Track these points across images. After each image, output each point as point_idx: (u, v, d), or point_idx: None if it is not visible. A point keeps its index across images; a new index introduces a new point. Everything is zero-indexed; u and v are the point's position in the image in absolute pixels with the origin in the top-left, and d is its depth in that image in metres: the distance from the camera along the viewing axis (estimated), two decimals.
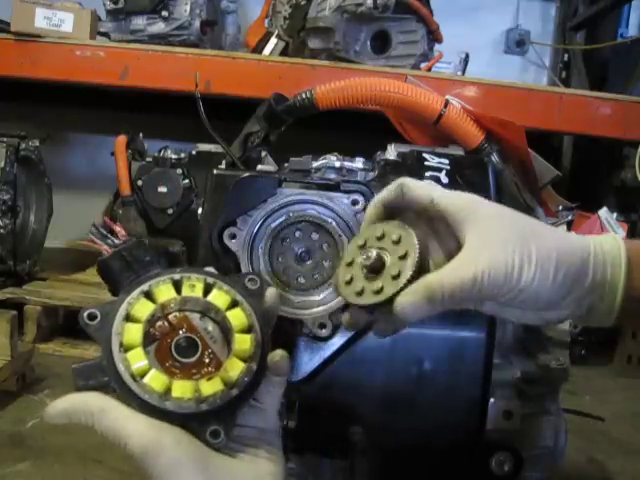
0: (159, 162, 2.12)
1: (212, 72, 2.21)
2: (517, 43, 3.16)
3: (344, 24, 2.19)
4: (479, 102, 2.24)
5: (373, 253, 0.64)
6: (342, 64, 2.24)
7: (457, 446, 0.84)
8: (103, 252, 0.65)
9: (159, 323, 0.60)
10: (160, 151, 2.17)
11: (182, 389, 0.57)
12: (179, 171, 2.10)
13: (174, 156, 2.15)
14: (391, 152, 0.98)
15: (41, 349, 1.84)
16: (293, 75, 2.22)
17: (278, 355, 0.63)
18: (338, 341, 0.84)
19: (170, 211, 2.08)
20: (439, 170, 0.90)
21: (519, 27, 3.15)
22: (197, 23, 2.40)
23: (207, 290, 0.62)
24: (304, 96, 0.99)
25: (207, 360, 0.60)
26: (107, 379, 0.58)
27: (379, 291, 0.63)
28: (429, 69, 2.44)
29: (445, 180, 0.90)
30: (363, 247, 0.67)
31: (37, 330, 1.90)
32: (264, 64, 2.28)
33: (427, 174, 0.90)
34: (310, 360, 0.84)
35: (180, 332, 0.60)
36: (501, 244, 0.60)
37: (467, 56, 2.58)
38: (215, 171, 0.91)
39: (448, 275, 0.60)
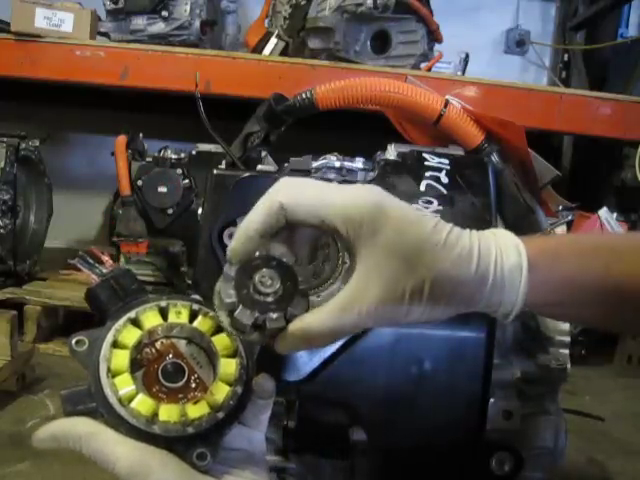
0: (159, 162, 2.12)
1: (212, 72, 2.21)
2: (517, 43, 3.16)
3: (344, 24, 2.19)
4: (479, 102, 2.24)
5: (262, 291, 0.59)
6: (342, 64, 2.24)
7: (457, 446, 0.84)
8: (91, 281, 0.66)
9: (146, 349, 0.62)
10: (160, 151, 2.17)
11: (169, 413, 0.58)
12: (179, 171, 2.10)
13: (174, 156, 2.15)
14: (391, 152, 0.98)
15: (41, 349, 1.84)
16: (293, 75, 2.22)
17: (262, 377, 0.63)
18: (338, 341, 0.84)
19: (170, 211, 2.08)
20: (439, 170, 0.90)
21: (519, 27, 3.15)
22: (197, 23, 2.40)
23: (193, 316, 0.64)
24: (304, 96, 0.99)
25: (193, 385, 0.61)
26: (95, 404, 0.59)
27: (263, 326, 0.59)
28: (429, 69, 2.44)
29: (445, 180, 0.90)
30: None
31: (37, 330, 1.91)
32: (264, 64, 2.28)
33: (427, 174, 0.90)
34: (310, 360, 0.84)
35: (167, 358, 0.61)
36: (391, 281, 0.56)
37: (467, 56, 2.58)
38: (215, 171, 0.91)
39: (327, 319, 0.57)
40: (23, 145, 2.14)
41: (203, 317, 0.63)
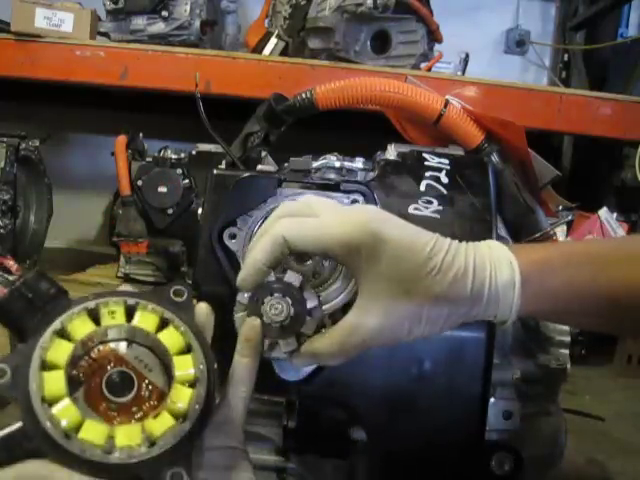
0: (159, 162, 2.12)
1: (212, 72, 2.21)
2: (517, 43, 3.16)
3: (344, 24, 2.19)
4: (479, 102, 2.24)
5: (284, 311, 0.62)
6: (342, 64, 2.24)
7: (457, 446, 0.84)
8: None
9: (82, 363, 0.52)
10: (160, 151, 2.17)
11: (127, 435, 0.49)
12: (179, 171, 2.10)
13: (174, 156, 2.15)
14: (391, 152, 0.98)
15: None
16: (293, 75, 2.22)
17: (240, 362, 0.60)
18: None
19: (170, 211, 2.08)
20: (439, 170, 0.90)
21: (519, 27, 3.15)
22: (197, 23, 2.40)
23: (130, 313, 0.54)
24: (304, 96, 0.99)
25: (146, 393, 0.52)
26: (36, 444, 0.48)
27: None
28: (429, 69, 2.44)
29: (445, 180, 0.90)
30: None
31: None
32: (264, 64, 2.28)
33: (427, 174, 0.90)
34: None
35: (108, 368, 0.52)
36: (390, 308, 0.60)
37: (467, 56, 2.58)
38: (215, 171, 0.91)
39: (332, 344, 0.62)
40: (23, 145, 2.14)
41: (142, 312, 0.54)
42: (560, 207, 1.14)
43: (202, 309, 0.59)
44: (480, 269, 0.61)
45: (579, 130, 2.42)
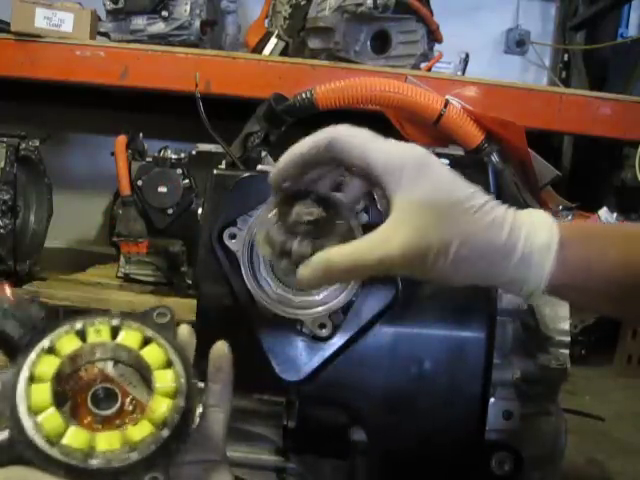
0: (159, 162, 2.12)
1: (212, 72, 2.21)
2: (517, 43, 3.16)
3: (344, 24, 2.19)
4: (479, 102, 2.24)
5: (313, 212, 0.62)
6: (342, 64, 2.24)
7: (457, 446, 0.84)
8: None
9: (69, 380, 0.55)
10: (160, 151, 2.17)
11: (108, 441, 0.51)
12: (179, 171, 2.10)
13: (174, 156, 2.15)
14: None
15: None
16: (293, 75, 2.22)
17: (220, 349, 0.60)
18: (338, 341, 0.84)
19: (170, 211, 2.08)
20: None
21: (519, 27, 3.15)
22: (197, 23, 2.40)
23: (114, 332, 0.57)
24: (304, 96, 0.99)
25: (130, 407, 0.55)
26: (19, 452, 0.51)
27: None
28: (429, 69, 2.44)
29: None
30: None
31: None
32: (264, 64, 2.28)
33: None
34: (310, 360, 0.84)
35: (94, 384, 0.55)
36: (421, 231, 0.57)
37: (467, 56, 2.58)
38: (215, 171, 0.91)
39: (351, 254, 0.59)
40: (23, 145, 2.14)
41: (126, 331, 0.57)
42: (560, 207, 1.14)
43: (184, 329, 0.60)
44: (518, 225, 0.59)
45: (579, 130, 2.42)
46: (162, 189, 2.08)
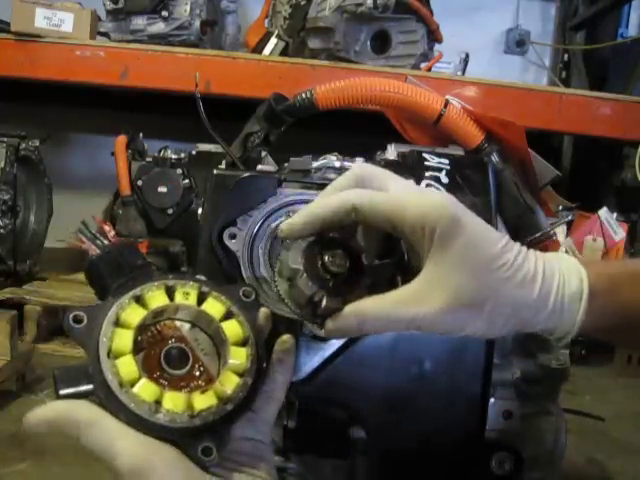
0: (159, 162, 2.12)
1: (212, 72, 2.21)
2: (517, 43, 3.16)
3: (344, 24, 2.19)
4: (479, 102, 2.24)
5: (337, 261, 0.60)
6: (342, 64, 2.24)
7: (457, 446, 0.84)
8: (91, 253, 0.61)
9: (149, 331, 0.57)
10: (160, 151, 2.18)
11: (173, 401, 0.53)
12: (179, 171, 2.10)
13: (174, 156, 2.15)
14: (391, 152, 0.98)
15: (41, 349, 1.84)
16: (293, 75, 2.22)
17: (286, 343, 0.62)
18: (338, 341, 0.84)
19: (170, 211, 2.08)
20: (439, 170, 0.90)
21: (519, 27, 3.15)
22: (197, 23, 2.40)
23: (201, 299, 0.59)
24: (304, 96, 0.99)
25: (197, 373, 0.57)
26: (92, 387, 0.53)
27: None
28: (429, 69, 2.44)
29: (445, 180, 0.90)
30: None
31: (37, 330, 1.91)
32: (264, 64, 2.28)
33: (427, 174, 0.90)
34: (310, 360, 0.84)
35: (170, 342, 0.57)
36: (454, 294, 0.57)
37: (467, 56, 2.58)
38: (215, 171, 0.91)
39: (383, 308, 0.58)
40: (23, 145, 2.15)
41: (212, 300, 0.59)
42: (560, 207, 1.14)
43: (263, 313, 0.63)
44: (549, 276, 0.59)
45: (579, 130, 2.43)
46: (162, 189, 2.08)
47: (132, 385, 0.53)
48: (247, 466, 0.58)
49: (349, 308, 0.59)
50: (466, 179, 0.90)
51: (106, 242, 0.63)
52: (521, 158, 1.03)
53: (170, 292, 0.58)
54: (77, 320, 0.55)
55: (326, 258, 0.59)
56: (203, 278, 0.62)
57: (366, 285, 0.60)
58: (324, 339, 0.84)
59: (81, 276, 2.32)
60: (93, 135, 3.06)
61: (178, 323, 0.58)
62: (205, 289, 0.59)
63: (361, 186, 0.61)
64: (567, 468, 1.16)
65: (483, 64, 2.88)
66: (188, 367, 0.56)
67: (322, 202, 0.61)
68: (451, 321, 0.58)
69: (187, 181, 2.09)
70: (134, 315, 0.56)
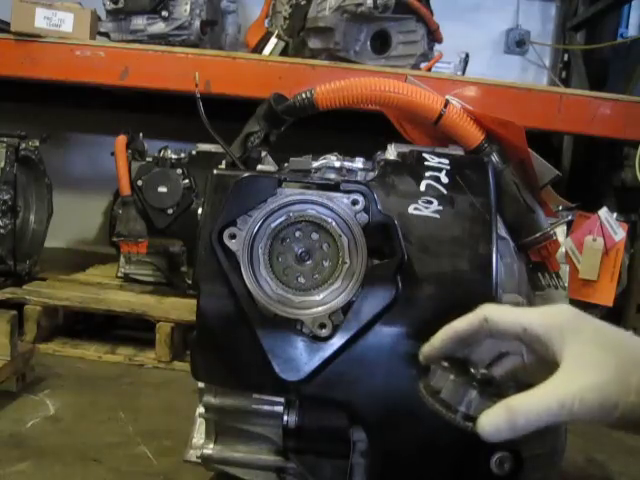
0: (159, 162, 2.12)
1: (212, 72, 2.21)
2: (517, 43, 3.16)
3: (344, 24, 2.19)
4: (479, 102, 2.24)
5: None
6: (342, 64, 2.24)
7: (457, 446, 0.84)
8: None
9: None
10: (160, 151, 2.17)
11: None
12: (179, 171, 2.10)
13: (174, 156, 2.15)
14: (391, 152, 0.98)
15: (41, 349, 1.84)
16: (293, 75, 2.22)
17: None
18: (338, 341, 0.84)
19: (170, 211, 2.08)
20: (439, 170, 0.90)
21: (519, 27, 3.15)
22: (197, 23, 2.40)
23: None
24: (304, 96, 0.99)
25: None
26: None
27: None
28: (429, 69, 2.44)
29: (445, 180, 0.90)
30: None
31: (37, 330, 1.90)
32: (264, 64, 2.28)
33: (427, 174, 0.90)
34: (310, 360, 0.84)
35: None
36: (598, 370, 0.57)
37: (467, 56, 2.58)
38: (215, 171, 0.91)
39: (533, 398, 0.57)
40: (23, 145, 2.14)
41: None
42: (560, 207, 1.14)
43: None
44: None
45: (579, 130, 2.42)
46: (162, 189, 2.08)
47: None
48: None
49: (498, 405, 0.58)
50: (466, 179, 0.90)
51: None
52: (521, 158, 1.03)
53: None
54: None
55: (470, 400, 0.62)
56: None
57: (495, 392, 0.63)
58: (324, 339, 0.84)
59: (81, 276, 2.32)
60: (93, 135, 3.06)
61: None
62: None
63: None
64: (567, 468, 1.16)
65: (483, 64, 2.88)
66: None
67: (458, 320, 0.66)
68: (602, 398, 0.57)
69: (187, 181, 2.09)
70: None
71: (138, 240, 2.05)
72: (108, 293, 2.09)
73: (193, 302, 0.89)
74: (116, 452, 1.29)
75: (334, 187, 0.87)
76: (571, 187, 2.74)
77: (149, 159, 2.14)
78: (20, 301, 1.93)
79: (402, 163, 0.92)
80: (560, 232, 1.05)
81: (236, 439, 0.96)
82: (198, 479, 1.13)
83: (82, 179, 3.05)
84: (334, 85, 0.98)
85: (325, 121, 1.40)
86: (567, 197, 1.13)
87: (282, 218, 0.86)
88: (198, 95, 1.08)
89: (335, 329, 0.84)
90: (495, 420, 0.57)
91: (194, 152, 2.14)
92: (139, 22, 2.37)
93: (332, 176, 0.95)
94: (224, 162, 1.01)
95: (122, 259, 2.26)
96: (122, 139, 2.10)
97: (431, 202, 0.88)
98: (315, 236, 0.86)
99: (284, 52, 2.40)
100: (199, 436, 1.02)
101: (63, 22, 2.23)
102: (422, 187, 0.89)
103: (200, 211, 0.92)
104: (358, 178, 0.95)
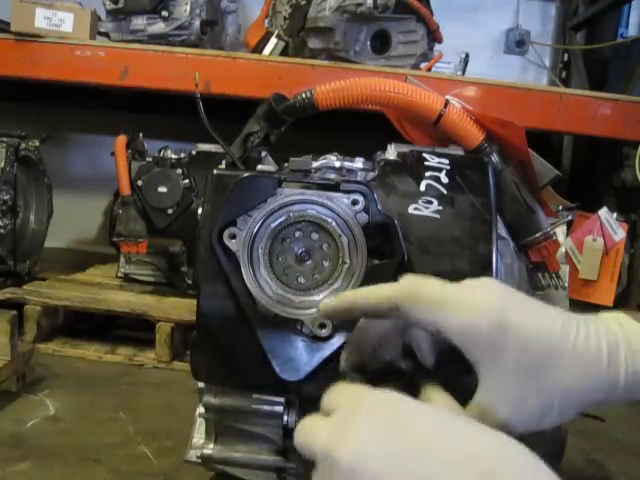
0: (159, 162, 2.12)
1: (212, 72, 2.21)
2: (517, 43, 3.16)
3: (344, 24, 2.19)
4: (479, 102, 2.24)
5: None
6: (342, 64, 2.24)
7: None
8: None
9: None
10: (160, 151, 2.17)
11: None
12: (179, 171, 2.10)
13: (174, 156, 2.15)
14: (391, 152, 0.98)
15: (41, 349, 1.84)
16: (293, 75, 2.22)
17: None
18: (338, 341, 0.84)
19: (170, 211, 2.08)
20: (439, 170, 0.90)
21: (519, 27, 3.15)
22: (197, 23, 2.40)
23: None
24: (304, 96, 0.99)
25: None
26: None
27: None
28: (429, 69, 2.44)
29: (445, 180, 0.90)
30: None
31: (37, 330, 1.90)
32: (264, 64, 2.28)
33: (427, 174, 0.90)
34: (310, 360, 0.84)
35: None
36: (518, 403, 0.55)
37: (467, 56, 2.58)
38: (215, 171, 0.91)
39: None
40: (23, 145, 2.14)
41: None
42: (560, 207, 1.14)
43: None
44: (613, 352, 0.56)
45: (579, 130, 2.42)
46: (162, 189, 2.08)
47: None
48: None
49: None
50: (466, 179, 0.90)
51: None
52: (521, 158, 1.03)
53: None
54: None
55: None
56: None
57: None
58: (324, 339, 0.84)
59: (81, 276, 2.32)
60: (93, 135, 3.06)
61: None
62: None
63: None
64: (567, 468, 1.15)
65: (483, 64, 2.88)
66: None
67: (364, 291, 0.61)
68: (520, 427, 0.56)
69: (187, 181, 2.09)
70: None
71: (138, 240, 2.05)
72: (108, 293, 2.10)
73: (193, 302, 0.89)
74: (116, 452, 1.29)
75: (334, 187, 0.87)
76: (571, 187, 2.74)
77: (149, 159, 2.14)
78: (20, 301, 1.93)
79: (402, 163, 0.92)
80: (560, 232, 1.06)
81: (236, 439, 0.96)
82: (198, 479, 1.13)
83: (82, 179, 3.05)
84: (334, 85, 0.98)
85: (325, 121, 1.40)
86: (567, 197, 1.13)
87: (282, 218, 0.86)
88: (198, 95, 1.08)
89: (335, 329, 0.84)
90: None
91: (194, 152, 2.14)
92: (139, 22, 2.37)
93: (332, 176, 0.95)
94: (224, 162, 1.01)
95: (122, 259, 2.26)
96: (122, 139, 2.10)
97: (431, 202, 0.88)
98: (315, 236, 0.86)
99: (284, 52, 2.40)
100: (199, 436, 1.02)
101: (63, 22, 2.23)
102: (422, 187, 0.89)
103: (200, 211, 0.92)
104: (358, 178, 0.95)
